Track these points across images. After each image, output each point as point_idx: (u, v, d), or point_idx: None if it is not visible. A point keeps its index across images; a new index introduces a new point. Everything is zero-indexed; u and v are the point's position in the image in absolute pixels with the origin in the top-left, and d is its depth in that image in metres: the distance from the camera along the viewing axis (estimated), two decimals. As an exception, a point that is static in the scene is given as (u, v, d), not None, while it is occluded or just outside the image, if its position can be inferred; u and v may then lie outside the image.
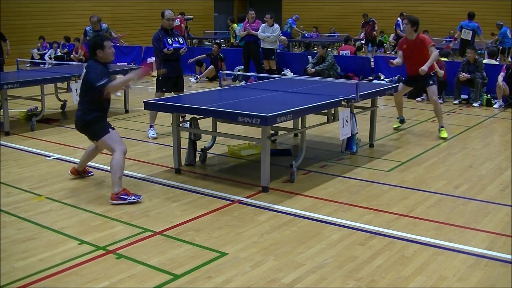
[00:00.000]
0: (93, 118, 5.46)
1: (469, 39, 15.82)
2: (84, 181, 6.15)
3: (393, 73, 12.99)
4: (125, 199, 5.34)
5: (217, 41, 19.99)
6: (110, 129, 5.51)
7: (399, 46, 8.48)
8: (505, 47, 17.39)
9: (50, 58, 18.06)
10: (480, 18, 17.54)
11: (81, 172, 6.22)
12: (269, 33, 13.09)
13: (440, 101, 11.32)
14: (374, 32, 19.13)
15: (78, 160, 6.30)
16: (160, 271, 4.04)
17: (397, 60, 8.14)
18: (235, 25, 16.25)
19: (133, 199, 5.37)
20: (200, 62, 14.56)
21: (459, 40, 16.29)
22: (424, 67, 7.82)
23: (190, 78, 14.18)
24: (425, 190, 5.90)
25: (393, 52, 20.45)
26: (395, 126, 8.80)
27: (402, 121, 8.91)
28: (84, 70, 5.45)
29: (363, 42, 20.45)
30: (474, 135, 8.53)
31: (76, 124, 5.61)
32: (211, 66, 14.32)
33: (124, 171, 6.46)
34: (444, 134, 8.24)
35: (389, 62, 8.22)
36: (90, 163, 6.33)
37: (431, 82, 8.12)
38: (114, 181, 5.37)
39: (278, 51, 14.70)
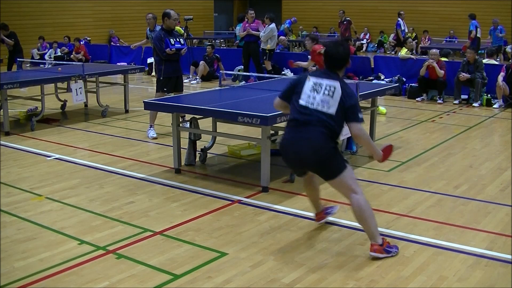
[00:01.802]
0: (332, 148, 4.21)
1: (479, 36, 16.27)
2: (84, 181, 6.15)
3: (393, 73, 13.02)
4: (390, 251, 4.26)
5: (210, 42, 20.00)
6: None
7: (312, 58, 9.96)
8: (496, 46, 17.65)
9: (50, 58, 18.06)
10: (480, 18, 17.57)
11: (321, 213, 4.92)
12: (262, 32, 13.20)
13: (440, 101, 11.39)
14: (348, 33, 18.49)
15: (79, 160, 6.27)
16: (160, 271, 4.04)
17: (303, 63, 10.22)
18: None
19: (395, 251, 4.30)
20: (196, 63, 14.56)
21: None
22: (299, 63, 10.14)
23: (191, 81, 14.13)
24: (425, 190, 5.90)
25: (393, 52, 20.43)
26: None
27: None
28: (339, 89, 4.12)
29: None
30: (474, 135, 8.53)
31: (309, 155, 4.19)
32: (202, 62, 14.33)
33: (124, 171, 6.50)
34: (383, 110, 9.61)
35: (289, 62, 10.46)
36: (89, 163, 6.29)
37: None
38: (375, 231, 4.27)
39: (277, 51, 14.72)
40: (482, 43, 17.47)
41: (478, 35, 16.57)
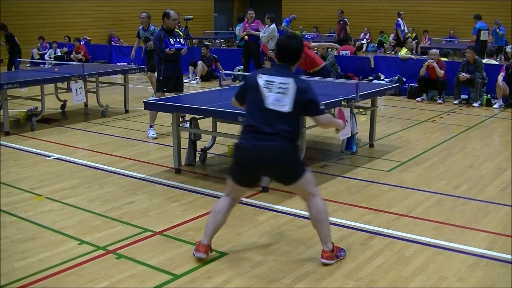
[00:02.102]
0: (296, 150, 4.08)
1: (487, 39, 16.30)
2: (84, 181, 6.15)
3: (393, 73, 13.01)
4: (339, 256, 4.20)
5: (210, 42, 19.99)
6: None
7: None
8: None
9: (50, 58, 18.06)
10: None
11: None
12: (262, 33, 13.22)
13: (440, 101, 11.39)
14: (343, 33, 18.23)
15: (79, 160, 6.26)
16: (160, 271, 4.04)
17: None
18: None
19: (343, 255, 4.24)
20: (194, 63, 14.56)
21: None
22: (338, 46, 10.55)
23: (191, 81, 14.13)
24: (425, 190, 5.90)
25: (393, 52, 20.43)
26: None
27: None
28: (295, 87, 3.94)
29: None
30: (474, 135, 8.53)
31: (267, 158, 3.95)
32: (200, 62, 14.32)
33: (124, 171, 6.50)
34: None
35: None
36: (89, 163, 6.28)
37: (332, 77, 9.61)
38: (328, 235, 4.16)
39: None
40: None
41: (482, 38, 16.59)
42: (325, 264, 4.08)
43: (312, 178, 4.11)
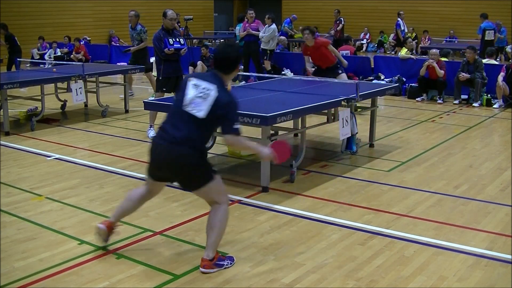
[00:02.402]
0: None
1: (492, 38, 16.28)
2: (84, 181, 6.15)
3: (393, 73, 13.01)
4: (222, 265, 4.08)
5: (210, 42, 19.97)
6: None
7: (304, 52, 9.79)
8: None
9: (50, 58, 18.06)
10: (480, 18, 17.56)
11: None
12: (262, 33, 13.23)
13: (440, 101, 11.39)
14: (340, 33, 17.94)
15: (79, 160, 6.26)
16: (160, 271, 4.04)
17: (308, 68, 9.84)
18: None
19: (228, 263, 4.12)
20: (194, 63, 14.56)
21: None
22: (345, 62, 9.64)
23: None
24: (425, 190, 5.90)
25: (392, 52, 20.43)
26: None
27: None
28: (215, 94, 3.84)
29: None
30: (474, 135, 8.53)
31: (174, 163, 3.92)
32: (199, 62, 14.30)
33: (124, 171, 6.50)
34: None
35: (307, 73, 9.89)
36: (89, 163, 6.28)
37: (340, 72, 9.55)
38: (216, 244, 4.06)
39: (277, 51, 14.72)
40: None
41: (486, 38, 16.57)
42: (203, 273, 3.97)
43: (220, 188, 4.01)
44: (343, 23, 18.23)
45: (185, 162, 3.83)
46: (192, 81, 3.94)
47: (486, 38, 16.60)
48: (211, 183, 3.93)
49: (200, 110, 3.80)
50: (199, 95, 3.84)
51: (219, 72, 3.96)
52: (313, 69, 9.76)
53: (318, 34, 23.87)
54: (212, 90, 3.82)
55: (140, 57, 10.88)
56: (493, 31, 16.88)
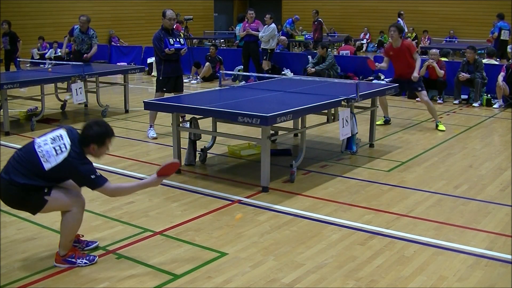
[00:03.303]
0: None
1: (507, 38, 16.34)
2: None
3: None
4: (74, 262, 4.10)
5: (210, 42, 19.91)
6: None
7: (385, 52, 9.05)
8: None
9: (51, 59, 18.04)
10: (480, 18, 17.57)
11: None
12: (261, 33, 13.24)
13: (440, 101, 11.39)
14: (318, 33, 17.78)
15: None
16: (160, 271, 4.04)
17: (382, 65, 8.91)
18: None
19: (82, 262, 4.12)
20: (198, 64, 14.54)
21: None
22: (415, 74, 8.57)
23: (191, 81, 14.13)
24: (425, 190, 5.90)
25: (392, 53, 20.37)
26: (378, 122, 8.61)
27: (387, 121, 9.11)
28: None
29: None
30: (474, 135, 8.53)
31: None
32: (207, 63, 14.27)
33: (124, 171, 6.50)
34: (442, 127, 8.73)
35: (368, 61, 9.02)
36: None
37: (419, 88, 8.81)
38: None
39: (277, 51, 14.72)
40: (482, 43, 17.49)
41: (502, 37, 16.57)
42: (56, 266, 4.05)
43: (60, 197, 3.95)
44: (322, 24, 18.22)
45: (12, 198, 3.91)
46: (60, 131, 3.99)
47: (502, 38, 16.58)
48: (48, 202, 3.91)
49: (48, 163, 3.82)
50: (56, 148, 3.86)
51: (81, 139, 4.03)
52: (383, 64, 8.87)
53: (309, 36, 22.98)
54: (65, 152, 3.87)
55: (78, 58, 10.64)
56: (508, 31, 16.83)
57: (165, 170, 4.03)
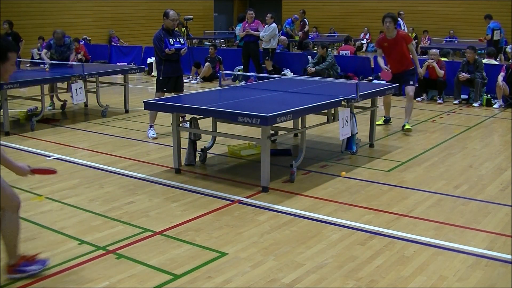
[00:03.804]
0: None
1: (499, 38, 16.49)
2: (84, 181, 6.15)
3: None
4: (25, 271, 3.93)
5: (210, 42, 19.90)
6: None
7: (379, 44, 8.60)
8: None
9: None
10: (480, 18, 17.57)
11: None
12: (262, 33, 13.24)
13: (440, 101, 11.39)
14: (302, 34, 17.83)
15: (79, 160, 6.24)
16: (160, 271, 4.04)
17: (381, 62, 8.47)
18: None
19: (34, 268, 3.96)
20: (198, 64, 14.54)
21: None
22: (420, 70, 8.64)
23: (191, 81, 14.13)
24: (425, 190, 5.90)
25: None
26: (378, 122, 8.53)
27: (387, 121, 9.08)
28: None
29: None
30: (474, 135, 8.53)
31: None
32: (207, 64, 14.26)
33: (124, 171, 6.50)
34: (408, 127, 8.51)
35: (382, 73, 8.52)
36: (89, 163, 6.23)
37: (411, 82, 8.49)
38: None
39: (278, 51, 14.72)
40: (482, 43, 17.48)
41: (495, 38, 16.65)
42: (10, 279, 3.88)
43: (5, 187, 3.85)
44: (307, 24, 18.26)
45: None
46: None
47: (494, 38, 16.69)
48: None
49: None
50: None
51: None
52: (388, 68, 8.33)
53: (318, 34, 23.57)
54: None
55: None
56: (499, 30, 16.96)
57: (40, 171, 4.00)
